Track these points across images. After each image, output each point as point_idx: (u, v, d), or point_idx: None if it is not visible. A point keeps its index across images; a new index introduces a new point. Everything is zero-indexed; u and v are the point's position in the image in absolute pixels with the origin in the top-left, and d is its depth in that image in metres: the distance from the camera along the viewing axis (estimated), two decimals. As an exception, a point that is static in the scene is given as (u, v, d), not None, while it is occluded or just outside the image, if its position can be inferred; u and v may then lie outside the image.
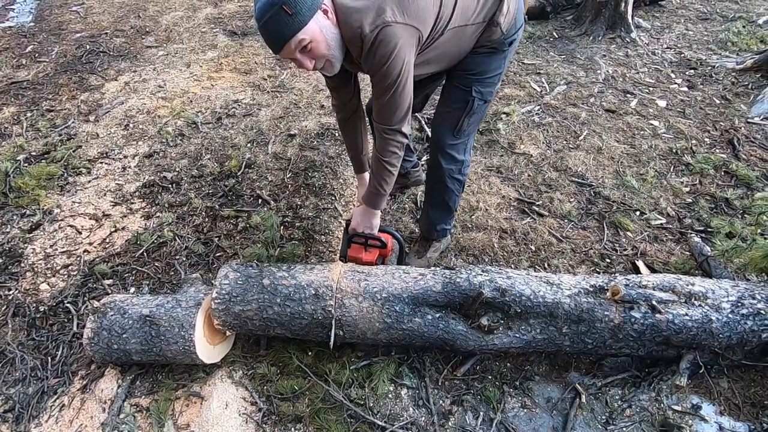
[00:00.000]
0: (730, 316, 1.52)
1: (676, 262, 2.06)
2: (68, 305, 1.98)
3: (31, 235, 2.31)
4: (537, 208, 2.38)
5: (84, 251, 2.22)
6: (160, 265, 2.15)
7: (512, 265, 2.10)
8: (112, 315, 1.63)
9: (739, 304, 1.54)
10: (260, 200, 2.47)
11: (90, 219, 2.38)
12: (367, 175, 1.93)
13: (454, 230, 2.23)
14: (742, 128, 2.87)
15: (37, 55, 3.80)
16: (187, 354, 1.59)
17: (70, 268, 2.15)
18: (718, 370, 1.64)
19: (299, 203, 2.44)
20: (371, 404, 1.61)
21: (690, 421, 1.57)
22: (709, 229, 2.22)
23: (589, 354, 1.69)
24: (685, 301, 1.56)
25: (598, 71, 3.45)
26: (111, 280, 2.08)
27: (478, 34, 1.53)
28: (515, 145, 2.78)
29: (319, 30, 1.25)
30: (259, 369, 1.70)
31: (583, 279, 1.64)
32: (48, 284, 2.08)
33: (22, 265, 2.17)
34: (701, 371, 1.58)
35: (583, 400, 1.61)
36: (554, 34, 3.98)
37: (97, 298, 2.01)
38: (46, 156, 2.77)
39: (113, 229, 2.32)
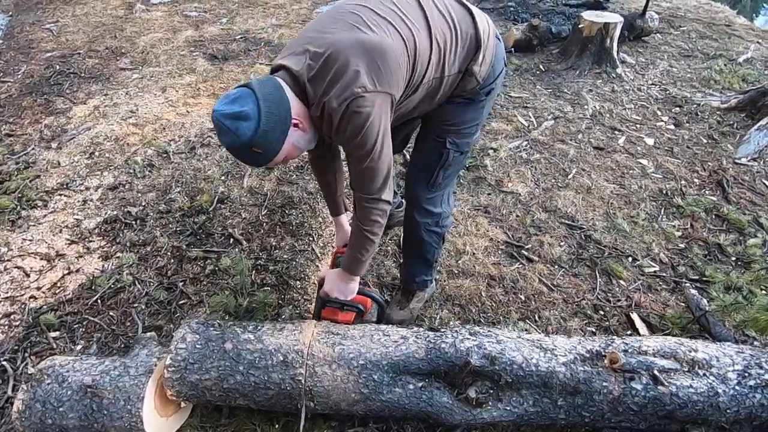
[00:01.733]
0: (737, 388, 1.40)
1: (673, 316, 1.95)
2: (4, 362, 1.75)
3: (-29, 277, 2.08)
4: (526, 252, 2.26)
5: (30, 297, 2.00)
6: (116, 314, 1.94)
7: (501, 317, 1.96)
8: (48, 384, 1.42)
9: (746, 374, 1.42)
10: (232, 240, 2.29)
11: (41, 259, 2.17)
12: (344, 218, 1.80)
13: (439, 276, 2.09)
14: (730, 169, 2.83)
15: (1, 74, 3.59)
16: (134, 430, 1.38)
17: (12, 317, 1.93)
18: (724, 446, 1.51)
19: (274, 244, 2.27)
20: (345, 486, 1.43)
21: (696, 504, 1.42)
22: (704, 279, 2.13)
23: (585, 426, 1.54)
24: (688, 369, 1.43)
25: (585, 106, 3.42)
26: (57, 333, 1.87)
27: (454, 85, 1.42)
28: (503, 183, 2.68)
29: (292, 145, 1.25)
30: (218, 443, 1.51)
31: (578, 343, 1.51)
32: (-16, 337, 1.85)
33: (-42, 313, 1.93)
34: (709, 451, 1.45)
35: (581, 480, 1.45)
36: (541, 67, 3.96)
37: (39, 354, 1.79)
38: (-1, 186, 2.55)
39: (66, 272, 2.11)
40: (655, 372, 1.41)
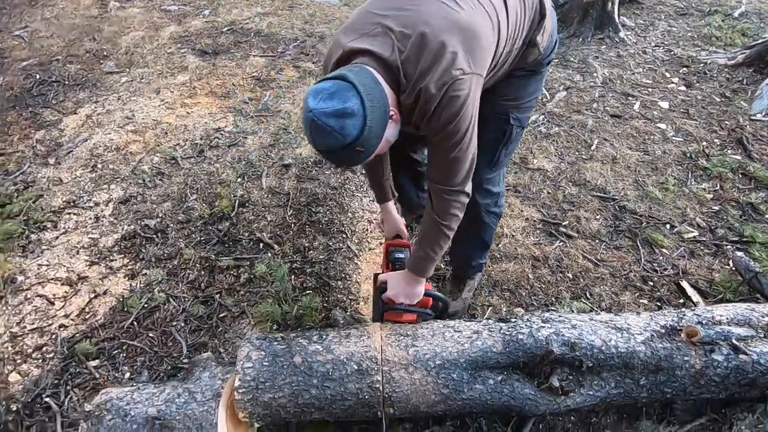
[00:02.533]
0: (815, 349, 1.40)
1: (722, 280, 1.95)
2: (47, 399, 1.64)
3: (-10, 311, 1.94)
4: (564, 229, 2.22)
5: (60, 326, 1.88)
6: (155, 335, 1.85)
7: (553, 298, 1.93)
8: (110, 419, 1.33)
9: (822, 334, 1.42)
10: (261, 244, 2.20)
11: (63, 284, 2.04)
12: (391, 205, 1.70)
13: (485, 265, 2.04)
14: (748, 126, 2.83)
15: (-24, 89, 3.33)
16: (210, 459, 1.31)
17: (44, 349, 1.81)
18: (800, 406, 1.52)
19: (306, 245, 2.18)
20: (432, 488, 1.39)
21: (778, 465, 1.44)
22: (744, 239, 2.13)
23: (661, 401, 1.53)
24: (764, 335, 1.43)
25: (595, 74, 3.36)
26: (97, 361, 1.76)
27: (517, 58, 1.35)
28: (528, 161, 2.62)
29: (386, 140, 1.13)
30: (294, 460, 1.45)
31: (651, 319, 1.48)
32: (19, 373, 1.74)
33: (-16, 351, 1.81)
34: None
35: (664, 454, 1.45)
36: (542, 36, 3.88)
37: (82, 386, 1.69)
38: (0, 211, 2.38)
39: (93, 295, 1.99)
40: (734, 341, 1.39)
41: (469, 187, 1.27)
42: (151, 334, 1.85)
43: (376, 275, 1.60)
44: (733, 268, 1.97)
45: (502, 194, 1.64)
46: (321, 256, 2.13)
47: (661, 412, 1.56)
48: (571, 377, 1.40)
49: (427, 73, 1.06)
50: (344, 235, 2.23)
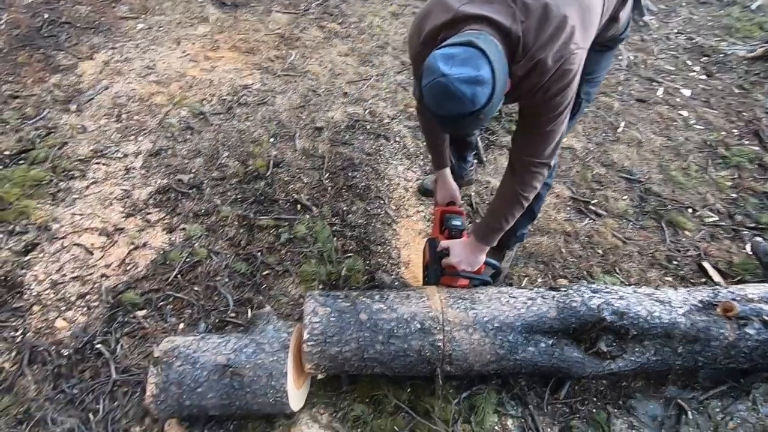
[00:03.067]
0: (835, 327, 1.53)
1: (740, 263, 2.07)
2: (99, 346, 1.66)
3: (27, 258, 1.91)
4: (593, 207, 2.30)
5: (101, 276, 1.88)
6: (200, 289, 1.86)
7: (584, 271, 2.02)
8: (179, 365, 1.36)
9: (841, 315, 1.55)
10: (299, 206, 2.20)
11: (99, 235, 2.01)
12: (448, 171, 1.72)
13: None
14: (764, 119, 2.93)
15: (-21, 24, 3.12)
16: (278, 405, 1.37)
17: (88, 298, 1.81)
18: (811, 377, 1.68)
19: (345, 209, 2.20)
20: (480, 439, 1.50)
21: (787, 429, 1.60)
22: (760, 226, 2.26)
23: (697, 368, 1.66)
24: (791, 313, 1.55)
25: (620, 57, 3.39)
26: (144, 311, 1.78)
27: (598, 34, 1.36)
28: (557, 138, 2.66)
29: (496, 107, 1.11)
30: (350, 410, 1.52)
31: (689, 294, 1.59)
32: (64, 320, 1.74)
33: (25, 297, 1.80)
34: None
35: (689, 416, 1.59)
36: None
37: (132, 335, 1.71)
38: (23, 156, 2.30)
39: (132, 247, 1.98)
40: (765, 317, 1.51)
41: (554, 161, 1.31)
42: (196, 288, 1.86)
43: (430, 240, 1.64)
44: (751, 252, 2.10)
45: (555, 166, 1.68)
46: (360, 221, 2.15)
47: (686, 379, 1.69)
48: (616, 344, 1.50)
49: (547, 45, 1.07)
50: (382, 201, 2.25)
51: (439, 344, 1.41)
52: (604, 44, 1.41)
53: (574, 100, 1.47)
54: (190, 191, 2.22)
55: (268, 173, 2.32)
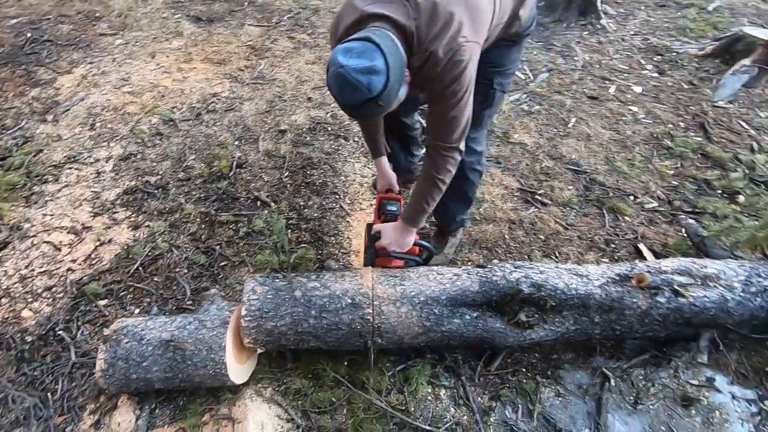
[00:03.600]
0: (742, 295, 1.64)
1: (674, 244, 2.19)
2: (60, 332, 1.78)
3: (-1, 255, 2.04)
4: (539, 197, 2.43)
5: (68, 270, 2.00)
6: (160, 279, 1.98)
7: (525, 256, 2.14)
8: (127, 342, 1.48)
9: (748, 283, 1.66)
10: (259, 202, 2.33)
11: (68, 233, 2.15)
12: (385, 160, 1.84)
13: (467, 223, 2.22)
14: (710, 112, 3.07)
15: (-34, 44, 3.31)
16: (218, 377, 1.48)
17: (54, 290, 1.93)
18: (728, 345, 1.78)
19: (302, 204, 2.33)
20: (413, 408, 1.60)
21: (706, 393, 1.69)
22: (697, 210, 2.38)
23: (613, 339, 1.77)
24: (701, 283, 1.66)
25: (576, 58, 3.55)
26: (106, 301, 1.90)
27: (502, 30, 1.51)
28: (510, 135, 2.81)
29: (398, 99, 1.26)
30: (292, 384, 1.63)
31: (608, 268, 1.70)
32: (31, 310, 1.86)
33: (-5, 290, 1.92)
34: (720, 349, 1.70)
35: (612, 383, 1.69)
36: (529, 20, 4.03)
37: (93, 322, 1.83)
38: (1, 163, 2.44)
39: (98, 243, 2.11)
40: (676, 287, 1.62)
41: (463, 145, 1.43)
42: (156, 279, 1.99)
43: (368, 225, 1.77)
44: (685, 234, 2.22)
45: (484, 153, 1.82)
46: (315, 214, 2.28)
47: (612, 350, 1.80)
48: (536, 315, 1.61)
49: (437, 38, 1.21)
50: (337, 196, 2.38)
51: (369, 317, 1.53)
52: (510, 39, 1.55)
53: (490, 91, 1.62)
54: (156, 191, 2.35)
55: (231, 173, 2.46)
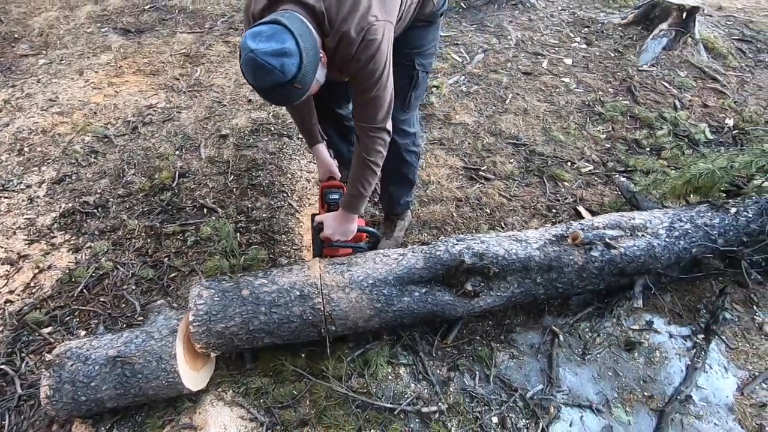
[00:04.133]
0: (667, 240, 1.76)
1: (610, 202, 2.31)
2: (2, 366, 1.70)
3: (-73, 296, 1.92)
4: (483, 173, 2.51)
5: (5, 302, 1.91)
6: (107, 299, 1.93)
7: (473, 230, 2.20)
8: (72, 365, 1.43)
9: (672, 228, 1.79)
10: (205, 210, 2.30)
11: (2, 264, 2.04)
12: (322, 147, 1.83)
13: (412, 206, 2.27)
14: (636, 76, 3.25)
15: None
16: (173, 387, 1.46)
17: (-8, 324, 1.84)
18: (661, 288, 1.90)
19: (249, 206, 2.31)
20: (374, 390, 1.63)
21: (647, 336, 1.81)
22: (629, 168, 2.52)
23: (558, 297, 1.86)
24: (630, 234, 1.77)
25: (509, 37, 3.66)
26: (50, 328, 1.83)
27: (416, 11, 1.54)
28: (451, 116, 2.88)
29: (317, 81, 1.25)
30: (252, 383, 1.63)
31: (545, 231, 1.78)
32: (-32, 348, 1.77)
33: (-73, 333, 1.81)
34: (652, 292, 1.82)
35: (561, 338, 1.77)
36: (462, 4, 4.12)
37: (37, 352, 1.76)
38: None
39: (36, 271, 2.02)
40: (607, 240, 1.72)
41: (389, 125, 1.45)
42: (102, 299, 1.93)
43: (313, 215, 1.78)
44: (619, 192, 2.35)
45: (418, 134, 1.86)
46: (264, 215, 2.27)
47: (560, 308, 1.89)
48: (482, 283, 1.67)
49: (348, 18, 1.22)
50: (285, 194, 2.37)
51: (319, 307, 1.54)
52: (425, 20, 1.59)
53: (413, 72, 1.65)
54: (96, 211, 2.28)
55: (175, 184, 2.41)
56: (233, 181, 2.44)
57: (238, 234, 2.17)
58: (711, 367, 1.70)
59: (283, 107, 2.41)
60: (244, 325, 1.51)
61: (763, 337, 1.81)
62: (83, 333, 1.80)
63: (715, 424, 1.56)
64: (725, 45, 3.53)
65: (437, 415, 1.56)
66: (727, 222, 1.84)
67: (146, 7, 3.92)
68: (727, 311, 1.85)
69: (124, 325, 1.83)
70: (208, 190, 2.39)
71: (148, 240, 2.16)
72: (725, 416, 1.58)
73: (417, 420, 1.55)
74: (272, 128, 2.76)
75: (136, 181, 2.43)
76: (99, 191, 2.38)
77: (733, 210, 1.86)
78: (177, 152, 2.60)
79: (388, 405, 1.57)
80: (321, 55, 1.26)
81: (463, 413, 1.57)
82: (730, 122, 2.87)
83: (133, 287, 1.97)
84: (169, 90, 3.05)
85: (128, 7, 3.92)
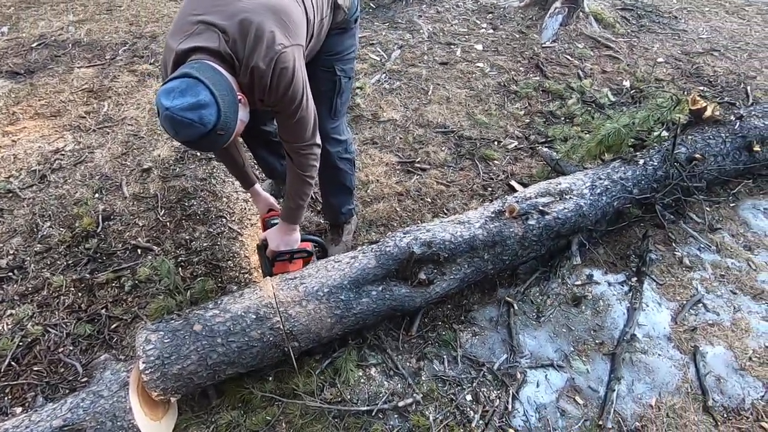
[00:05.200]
0: (591, 198, 1.91)
1: (538, 172, 2.47)
2: (-73, 469, 1.49)
3: None
4: (419, 165, 2.57)
5: None
6: (42, 367, 1.75)
7: (418, 220, 2.26)
8: (10, 447, 1.29)
9: (594, 187, 1.94)
10: (139, 250, 2.15)
11: None
12: (258, 187, 1.84)
13: (356, 209, 2.28)
14: (541, 53, 3.49)
15: None
16: (134, 443, 1.36)
17: None
18: (594, 243, 2.06)
19: (188, 237, 2.20)
20: (349, 396, 1.62)
21: (590, 288, 1.95)
22: (549, 139, 2.70)
23: (506, 269, 1.95)
24: (560, 198, 1.90)
25: (421, 31, 3.78)
26: (-22, 413, 1.63)
27: (329, 20, 1.56)
28: (378, 115, 2.92)
29: (241, 121, 1.25)
30: (220, 419, 1.55)
31: (484, 209, 1.87)
32: None
33: None
34: (587, 248, 1.97)
35: (516, 307, 1.87)
36: (371, 4, 4.19)
37: (-32, 442, 1.56)
38: None
39: (-50, 354, 1.79)
40: (540, 207, 1.84)
41: (318, 139, 1.47)
42: (36, 368, 1.75)
43: (257, 245, 1.74)
44: (543, 162, 2.51)
45: (349, 141, 1.87)
46: (205, 244, 2.17)
47: (510, 279, 1.99)
48: (435, 270, 1.71)
49: (254, 53, 1.21)
50: (224, 219, 2.29)
51: (278, 326, 1.51)
52: (340, 27, 1.61)
53: (335, 78, 1.66)
54: (12, 273, 2.05)
55: (99, 229, 2.24)
56: (165, 215, 2.31)
57: (180, 269, 2.06)
58: (647, 305, 1.87)
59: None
60: (202, 362, 1.44)
61: (684, 269, 2.03)
62: (19, 410, 1.62)
63: (658, 354, 1.72)
64: (611, 15, 3.88)
65: (414, 407, 1.58)
66: (638, 173, 2.03)
67: (34, 45, 3.59)
68: (652, 252, 2.05)
69: (67, 391, 1.68)
70: (138, 229, 2.25)
71: (79, 294, 1.99)
72: (666, 345, 1.75)
73: (395, 416, 1.57)
74: (198, 154, 2.64)
75: (54, 233, 2.23)
76: (12, 252, 2.15)
77: (641, 161, 2.06)
78: (96, 195, 2.41)
79: (365, 408, 1.56)
80: (239, 96, 1.24)
81: (438, 398, 1.60)
82: (627, 84, 3.16)
83: (71, 348, 1.81)
84: (75, 130, 2.82)
85: (12, 48, 3.57)
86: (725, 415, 1.58)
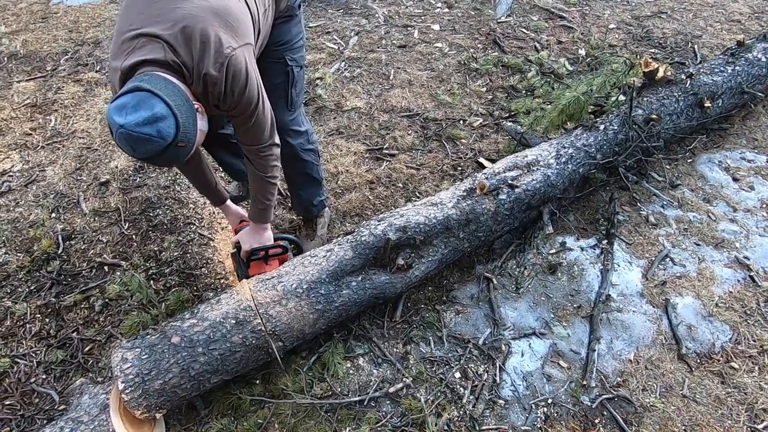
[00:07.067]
0: (557, 167, 1.94)
1: (504, 147, 2.49)
2: None
3: None
4: (387, 151, 2.55)
5: None
6: (14, 400, 1.66)
7: (392, 207, 2.25)
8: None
9: (559, 156, 1.98)
10: (106, 267, 2.06)
11: None
12: (230, 203, 1.80)
13: (328, 201, 2.25)
14: (497, 29, 3.50)
15: None
16: (121, 465, 1.32)
17: None
18: (564, 210, 2.10)
19: (156, 249, 2.12)
20: (339, 389, 1.61)
21: (564, 255, 2.00)
22: (512, 113, 2.73)
23: (482, 246, 1.97)
24: (527, 170, 1.93)
25: (376, 15, 3.72)
26: (-50, 457, 1.54)
27: (273, 10, 1.51)
28: (342, 104, 2.87)
29: (200, 131, 1.20)
30: (210, 429, 1.52)
31: (455, 189, 1.88)
32: None
33: None
34: (558, 216, 2.01)
35: (495, 282, 1.90)
36: (323, -8, 4.09)
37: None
38: None
39: None
40: (510, 181, 1.86)
41: (277, 138, 1.43)
42: (8, 402, 1.66)
43: (231, 252, 1.70)
44: (509, 136, 2.53)
45: (310, 131, 1.83)
46: (175, 253, 2.10)
47: (487, 255, 2.01)
48: (412, 254, 1.72)
49: (203, 60, 1.15)
50: (192, 226, 2.22)
51: (260, 328, 1.48)
52: (285, 16, 1.56)
53: (287, 69, 1.61)
54: (-31, 307, 1.94)
55: (60, 250, 2.13)
56: (129, 228, 2.22)
57: (152, 281, 1.99)
58: (619, 265, 1.93)
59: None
60: (185, 373, 1.40)
61: (650, 227, 2.10)
62: (-5, 447, 1.54)
63: (633, 311, 1.79)
64: (562, -15, 3.92)
65: (405, 391, 1.59)
66: (600, 138, 2.07)
67: (-36, 62, 3.34)
68: (619, 214, 2.11)
69: (45, 422, 1.61)
70: (103, 246, 2.15)
71: (47, 320, 1.90)
72: (639, 302, 1.82)
73: (388, 402, 1.57)
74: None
75: (12, 259, 2.11)
76: (-34, 284, 2.02)
77: (602, 126, 2.11)
78: (53, 215, 2.29)
79: (356, 398, 1.56)
80: (196, 105, 1.18)
81: (427, 380, 1.62)
82: (582, 52, 3.22)
83: (43, 377, 1.73)
84: (22, 149, 2.65)
85: (-60, 67, 3.31)
86: (698, 361, 1.66)
